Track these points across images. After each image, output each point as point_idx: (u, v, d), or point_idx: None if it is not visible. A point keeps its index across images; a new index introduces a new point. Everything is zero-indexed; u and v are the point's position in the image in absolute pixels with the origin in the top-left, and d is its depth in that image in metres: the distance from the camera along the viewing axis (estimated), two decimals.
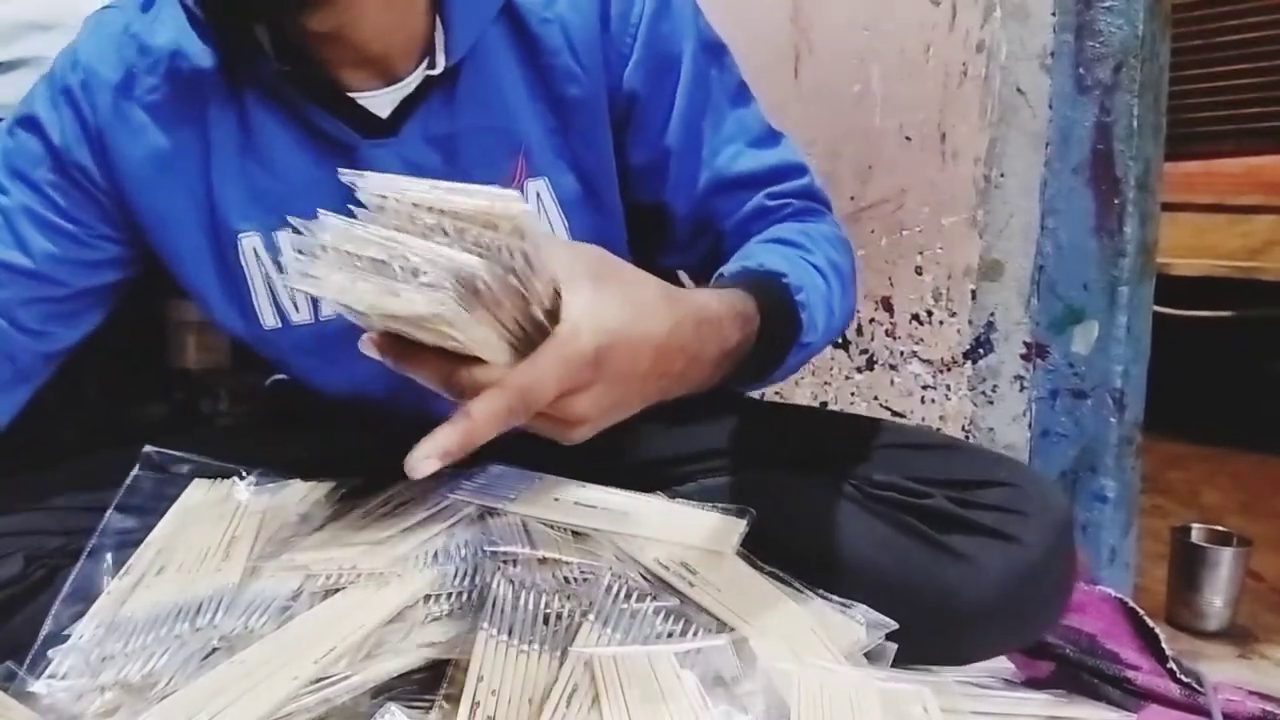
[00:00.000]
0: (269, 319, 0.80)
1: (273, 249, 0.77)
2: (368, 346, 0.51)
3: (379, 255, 0.47)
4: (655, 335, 0.54)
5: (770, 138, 0.85)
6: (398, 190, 0.48)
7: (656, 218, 0.84)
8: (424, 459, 0.50)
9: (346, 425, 0.86)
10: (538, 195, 0.78)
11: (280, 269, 0.78)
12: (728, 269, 0.73)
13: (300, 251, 0.49)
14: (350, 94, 0.75)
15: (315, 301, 0.79)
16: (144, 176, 0.76)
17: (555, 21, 0.76)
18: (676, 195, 0.82)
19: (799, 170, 0.85)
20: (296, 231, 0.50)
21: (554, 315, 0.51)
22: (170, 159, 0.76)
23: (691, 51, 0.80)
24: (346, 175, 0.50)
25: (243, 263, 0.78)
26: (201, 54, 0.74)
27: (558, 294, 0.51)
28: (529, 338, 0.51)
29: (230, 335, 0.84)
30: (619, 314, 0.52)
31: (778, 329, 0.68)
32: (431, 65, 0.74)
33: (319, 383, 0.84)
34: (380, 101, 0.75)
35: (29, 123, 0.77)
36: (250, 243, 0.78)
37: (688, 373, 0.58)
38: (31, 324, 0.77)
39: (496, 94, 0.76)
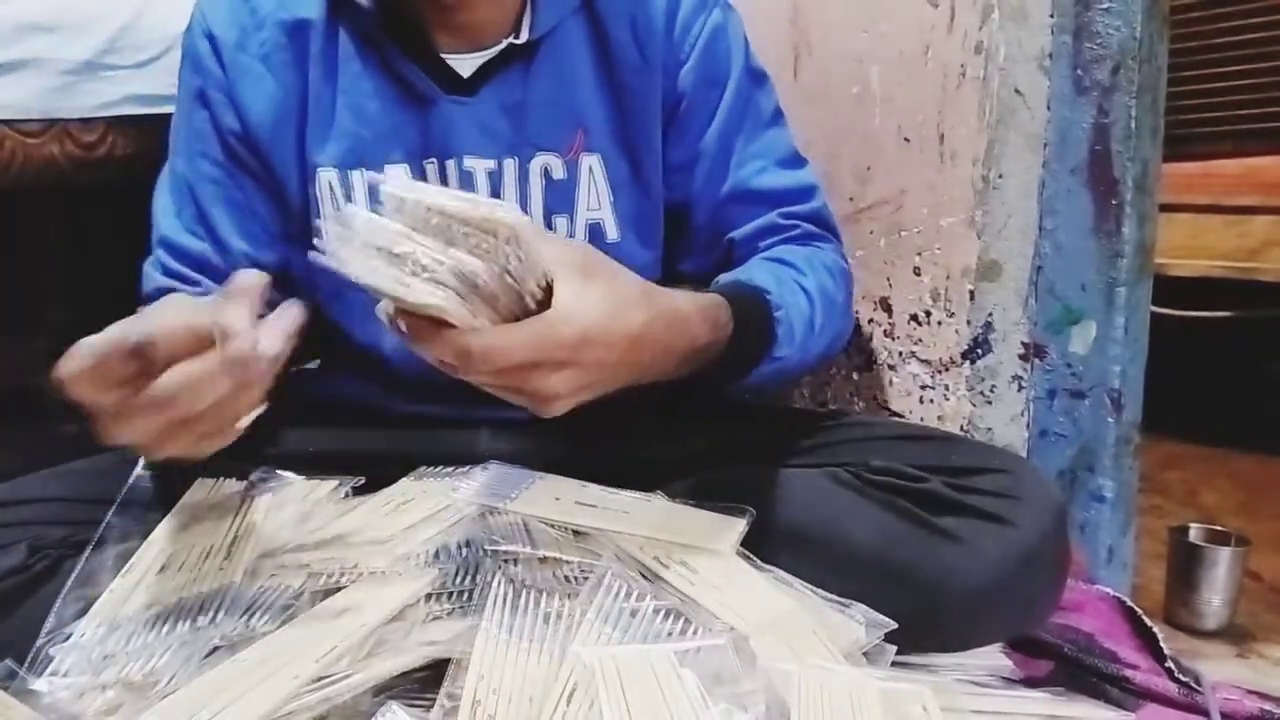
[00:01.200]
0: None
1: (346, 185, 0.84)
2: (382, 315, 0.57)
3: (396, 249, 0.54)
4: (631, 328, 0.61)
5: (795, 161, 0.93)
6: (416, 193, 0.55)
7: (679, 221, 0.91)
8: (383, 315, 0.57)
9: (350, 424, 0.86)
10: (590, 169, 0.86)
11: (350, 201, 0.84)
12: (723, 278, 0.81)
13: (337, 231, 0.55)
14: (440, 54, 0.83)
15: None
16: (265, 123, 0.84)
17: (626, 18, 0.85)
18: (700, 197, 0.90)
19: (813, 193, 0.93)
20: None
21: (545, 305, 0.58)
22: (280, 102, 0.84)
23: (738, 73, 0.89)
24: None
25: (317, 195, 0.84)
26: (306, 4, 0.83)
27: (549, 286, 0.59)
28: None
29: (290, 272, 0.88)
30: (600, 306, 0.59)
31: (750, 337, 0.75)
32: (516, 36, 0.82)
33: (357, 326, 0.87)
34: (465, 64, 0.83)
35: (196, 97, 0.85)
36: (327, 177, 0.84)
37: (656, 363, 0.65)
38: None
39: (567, 73, 0.84)
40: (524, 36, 0.82)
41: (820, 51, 1.19)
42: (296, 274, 0.87)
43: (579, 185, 0.85)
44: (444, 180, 0.84)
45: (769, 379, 0.81)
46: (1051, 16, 0.99)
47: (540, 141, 0.84)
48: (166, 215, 0.87)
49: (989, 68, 1.04)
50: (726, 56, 0.89)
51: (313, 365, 0.98)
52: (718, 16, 0.88)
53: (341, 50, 0.83)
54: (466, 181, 0.84)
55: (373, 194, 0.82)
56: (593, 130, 0.85)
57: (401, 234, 0.54)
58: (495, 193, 0.84)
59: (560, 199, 0.85)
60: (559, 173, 0.85)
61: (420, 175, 0.84)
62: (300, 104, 0.83)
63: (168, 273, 0.86)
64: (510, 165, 0.84)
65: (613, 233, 0.87)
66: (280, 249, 0.88)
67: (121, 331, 0.54)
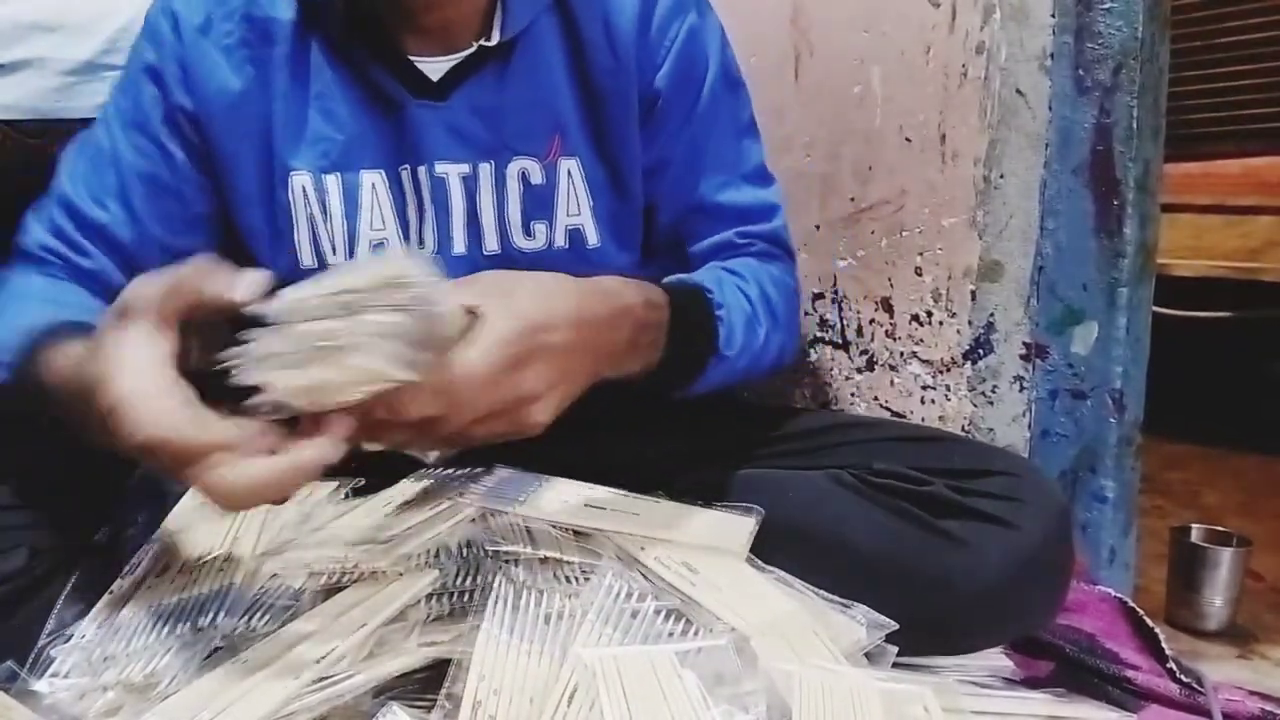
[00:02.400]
0: (307, 258, 0.83)
1: (320, 190, 0.83)
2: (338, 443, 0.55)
3: (319, 342, 0.52)
4: (569, 307, 0.62)
5: (761, 177, 0.92)
6: (308, 294, 0.53)
7: (645, 222, 0.89)
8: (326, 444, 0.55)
9: None
10: (568, 173, 0.84)
11: (324, 212, 0.83)
12: (666, 280, 0.80)
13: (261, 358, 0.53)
14: (410, 57, 0.81)
15: (351, 246, 0.83)
16: (214, 113, 0.81)
17: (599, 20, 0.83)
18: (665, 201, 0.88)
19: (773, 213, 0.92)
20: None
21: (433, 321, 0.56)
22: (239, 99, 0.81)
23: (713, 78, 0.87)
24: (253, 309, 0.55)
25: (290, 200, 0.83)
26: (278, 3, 0.81)
27: (472, 315, 0.58)
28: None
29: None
30: (529, 300, 0.60)
31: (693, 331, 0.76)
32: (487, 38, 0.81)
33: None
34: (435, 68, 0.82)
35: (146, 71, 0.82)
36: (300, 181, 0.82)
37: (611, 347, 0.66)
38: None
39: (542, 75, 0.83)
40: (495, 38, 0.80)
41: (821, 51, 1.19)
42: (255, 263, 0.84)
43: (558, 190, 0.84)
44: (417, 186, 0.83)
45: (717, 382, 0.81)
46: (1053, 16, 0.99)
47: (517, 145, 0.83)
48: (74, 179, 0.82)
49: (990, 68, 1.04)
50: (703, 61, 0.87)
51: None
52: (694, 19, 0.86)
53: (313, 54, 0.82)
54: (439, 188, 0.83)
55: (349, 198, 0.82)
56: (569, 133, 0.84)
57: (314, 330, 0.52)
58: (471, 198, 0.83)
59: (539, 204, 0.84)
60: (537, 177, 0.84)
61: (395, 182, 0.83)
62: (264, 106, 0.81)
63: (57, 233, 0.81)
64: (486, 170, 0.83)
65: (593, 238, 0.86)
66: (201, 234, 0.84)
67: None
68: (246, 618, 0.65)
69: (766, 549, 0.75)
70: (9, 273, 0.81)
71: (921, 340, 1.14)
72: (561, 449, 0.85)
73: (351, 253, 0.83)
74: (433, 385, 0.56)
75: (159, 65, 0.82)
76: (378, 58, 0.81)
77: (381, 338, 0.53)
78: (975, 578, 0.73)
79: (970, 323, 1.09)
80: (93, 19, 1.08)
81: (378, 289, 0.53)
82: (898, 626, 0.69)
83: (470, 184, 0.83)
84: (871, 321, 1.19)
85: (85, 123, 1.07)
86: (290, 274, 0.81)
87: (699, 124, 0.87)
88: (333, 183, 0.82)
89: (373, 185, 0.83)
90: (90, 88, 1.08)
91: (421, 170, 0.82)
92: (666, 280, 0.79)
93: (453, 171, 0.83)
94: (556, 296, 0.62)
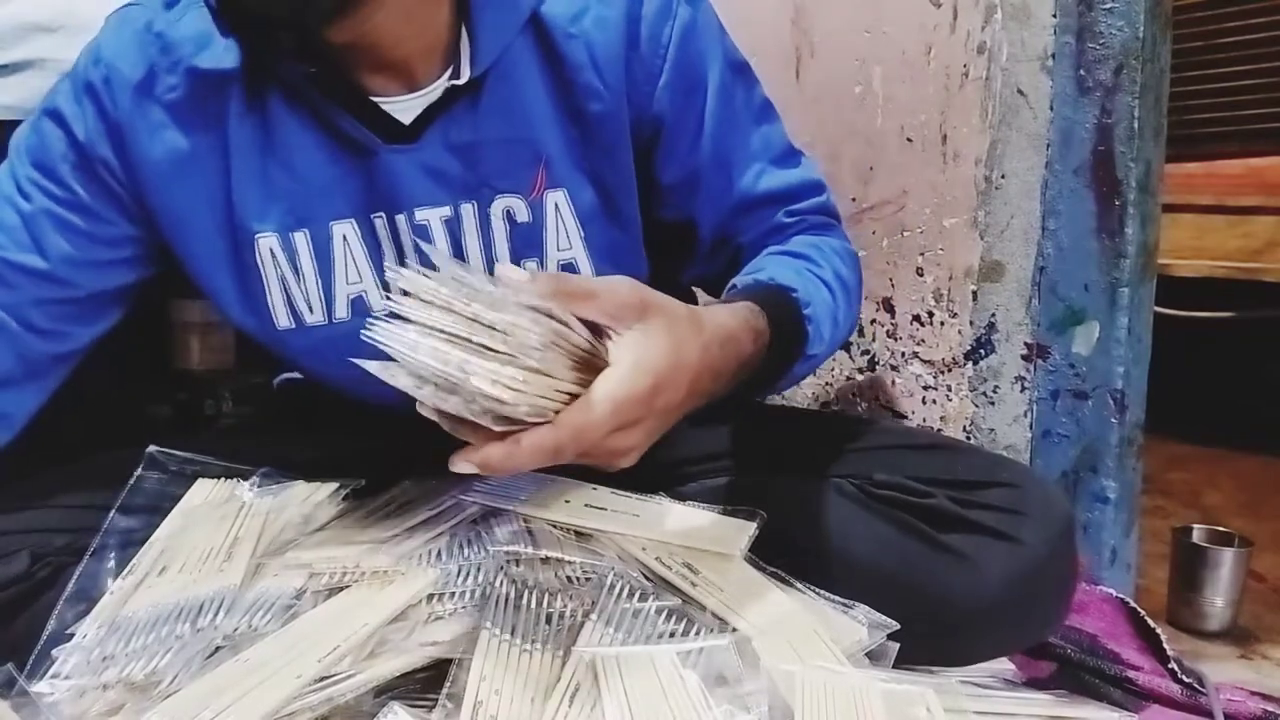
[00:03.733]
0: (283, 320, 0.80)
1: (289, 250, 0.78)
2: (426, 410, 0.53)
3: (454, 329, 0.51)
4: (692, 365, 0.58)
5: (791, 155, 0.88)
6: (447, 274, 0.53)
7: (681, 234, 0.86)
8: (464, 462, 0.54)
9: (351, 426, 0.86)
10: (556, 206, 0.79)
11: (295, 271, 0.78)
12: (740, 280, 0.76)
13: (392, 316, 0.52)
14: (374, 98, 0.75)
15: (329, 303, 0.79)
16: (161, 175, 0.76)
17: (580, 38, 0.77)
18: (704, 212, 0.84)
19: (817, 188, 0.87)
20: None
21: (592, 358, 0.56)
22: (188, 159, 0.76)
23: (718, 71, 0.81)
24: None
25: (259, 263, 0.78)
26: (224, 55, 0.75)
27: (597, 332, 0.56)
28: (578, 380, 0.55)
29: (241, 334, 0.84)
30: (662, 351, 0.57)
31: (786, 341, 0.71)
32: (456, 75, 0.75)
33: (332, 381, 0.84)
34: (403, 108, 0.76)
35: (54, 116, 0.77)
36: (267, 243, 0.78)
37: (711, 387, 0.62)
38: (44, 324, 0.77)
39: (520, 105, 0.77)
40: (465, 73, 0.74)
41: (822, 52, 1.19)
42: (257, 343, 0.83)
43: (545, 226, 0.79)
44: (395, 236, 0.78)
45: (798, 379, 0.79)
46: (1054, 17, 0.99)
47: (499, 183, 0.77)
48: None
49: (991, 68, 1.04)
50: (703, 57, 0.81)
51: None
52: (685, 14, 0.79)
53: (270, 104, 0.76)
54: (421, 234, 0.77)
55: (320, 255, 0.78)
56: (554, 164, 0.78)
57: (463, 308, 0.51)
58: (455, 241, 0.78)
59: (527, 242, 0.79)
60: (523, 215, 0.78)
61: (369, 232, 0.78)
62: (221, 164, 0.76)
63: None
64: (468, 210, 0.78)
65: (586, 269, 0.80)
66: (121, 275, 0.80)
67: None
68: (248, 617, 0.65)
69: (767, 558, 0.74)
70: None
71: (923, 340, 1.14)
72: None
73: (329, 309, 0.79)
74: (550, 440, 0.53)
75: (76, 117, 0.76)
76: (340, 102, 0.75)
77: (508, 348, 0.52)
78: (977, 593, 0.72)
79: (971, 323, 1.09)
80: (94, 20, 1.06)
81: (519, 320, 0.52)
82: (898, 626, 0.69)
83: (453, 226, 0.78)
84: (873, 322, 1.19)
85: None
86: (263, 334, 0.81)
87: (717, 125, 0.82)
88: (301, 240, 0.78)
89: (344, 237, 0.78)
90: None
91: (400, 219, 0.78)
92: (754, 287, 0.74)
93: (434, 216, 0.77)
94: (685, 346, 0.58)
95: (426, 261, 0.75)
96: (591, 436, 0.54)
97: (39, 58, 1.04)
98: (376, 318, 0.52)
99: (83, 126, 0.76)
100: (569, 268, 0.81)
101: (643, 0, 0.78)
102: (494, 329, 0.52)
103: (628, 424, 0.56)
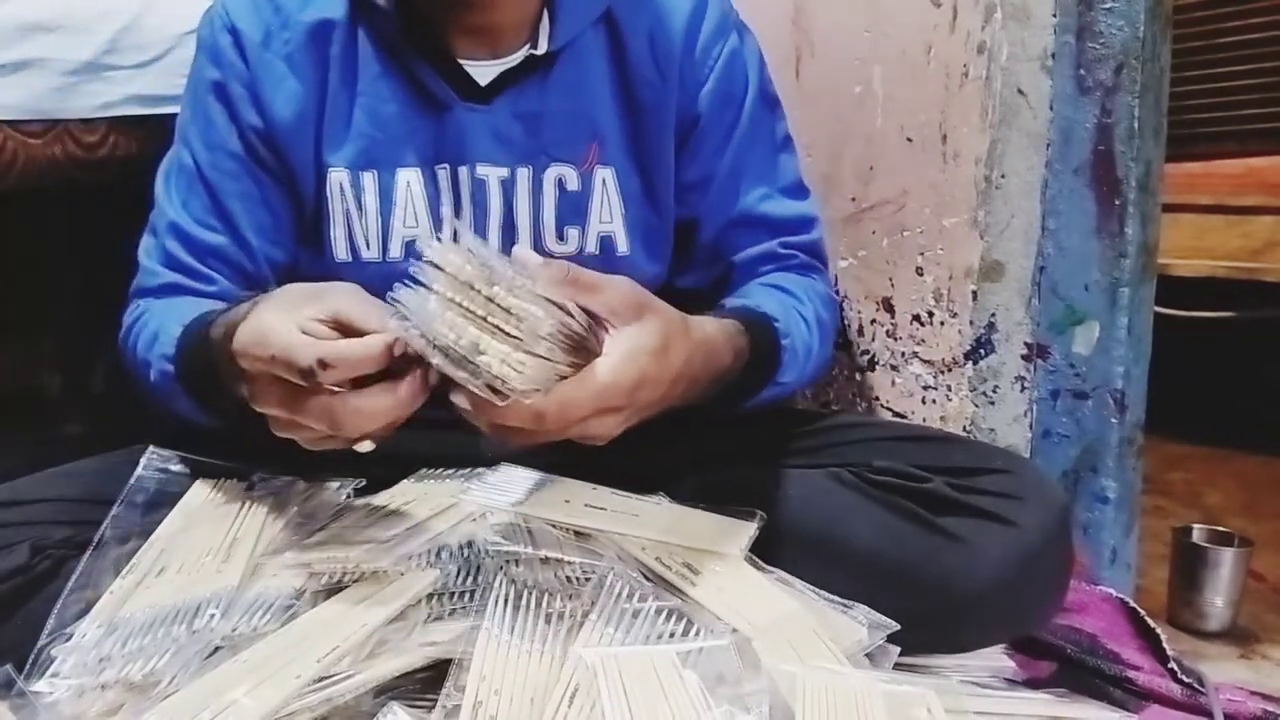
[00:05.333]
0: (341, 252, 0.85)
1: (357, 187, 0.84)
2: (460, 398, 0.59)
3: (471, 304, 0.57)
4: (676, 367, 0.64)
5: (799, 190, 0.95)
6: (468, 251, 0.57)
7: (684, 237, 0.92)
8: (462, 400, 0.59)
9: None
10: (603, 182, 0.86)
11: (360, 207, 0.84)
12: (729, 302, 0.83)
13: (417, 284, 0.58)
14: (459, 60, 0.83)
15: (385, 242, 0.85)
16: (287, 122, 0.83)
17: (645, 34, 0.86)
18: (708, 216, 0.91)
19: (813, 225, 0.94)
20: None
21: (587, 345, 0.61)
22: (302, 100, 0.83)
23: (753, 96, 0.90)
24: (425, 244, 0.63)
25: (328, 195, 0.84)
26: (327, 6, 0.83)
27: (596, 322, 0.61)
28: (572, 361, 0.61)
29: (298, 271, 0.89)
30: (653, 349, 0.62)
31: (762, 365, 0.78)
32: (535, 46, 0.82)
33: None
34: (483, 71, 0.83)
35: (213, 90, 0.84)
36: (338, 177, 0.84)
37: (687, 392, 0.69)
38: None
39: (584, 85, 0.85)
40: (543, 47, 0.82)
41: (822, 51, 1.18)
42: (306, 275, 0.86)
43: (592, 197, 0.86)
44: (455, 186, 0.84)
45: (765, 402, 0.83)
46: (1054, 16, 0.99)
47: (555, 152, 0.85)
48: (174, 205, 0.85)
49: (991, 68, 1.04)
50: (744, 80, 0.90)
51: None
52: (735, 41, 0.89)
53: (361, 52, 0.83)
54: (479, 189, 0.84)
55: (384, 196, 0.84)
56: (608, 143, 0.86)
57: (482, 281, 0.56)
58: (508, 201, 0.85)
59: (573, 210, 0.86)
60: (573, 184, 0.85)
61: (432, 181, 0.84)
62: (319, 104, 0.84)
63: (174, 265, 0.85)
64: (524, 174, 0.84)
65: (623, 246, 0.87)
66: (292, 247, 0.88)
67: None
68: (247, 617, 0.65)
69: (766, 547, 0.75)
70: (137, 310, 0.84)
71: (923, 340, 1.14)
72: (563, 449, 0.85)
73: (385, 248, 0.84)
74: (537, 406, 0.58)
75: (226, 84, 0.84)
76: (427, 59, 0.82)
77: (520, 331, 0.57)
78: (975, 575, 0.73)
79: (971, 323, 1.09)
80: (94, 19, 1.07)
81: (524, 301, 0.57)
82: (899, 627, 0.69)
83: (508, 187, 0.84)
84: (873, 321, 1.19)
85: (87, 123, 1.08)
86: (320, 266, 0.86)
87: (740, 141, 0.89)
88: (369, 180, 0.84)
89: (408, 183, 0.84)
90: (91, 88, 1.07)
91: (462, 170, 0.84)
92: (740, 310, 0.80)
93: (492, 174, 0.84)
94: (673, 348, 0.64)
95: (479, 215, 0.85)
96: (574, 414, 0.60)
97: (38, 58, 1.03)
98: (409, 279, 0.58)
99: (232, 94, 0.84)
100: (608, 240, 0.87)
101: (704, 18, 0.88)
102: (509, 313, 0.57)
103: (609, 409, 0.61)
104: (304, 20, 0.83)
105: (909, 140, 1.12)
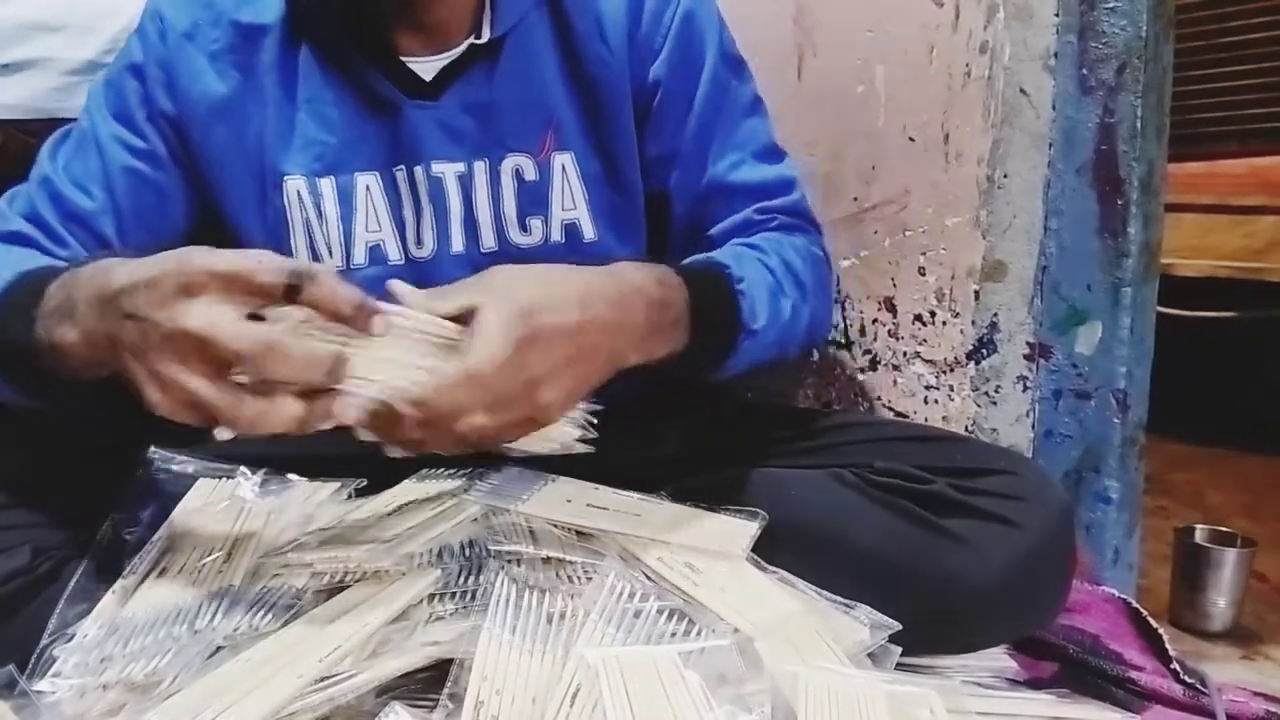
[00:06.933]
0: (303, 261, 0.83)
1: (315, 194, 0.83)
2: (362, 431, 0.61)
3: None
4: (568, 289, 0.63)
5: (773, 153, 0.91)
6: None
7: (659, 215, 0.89)
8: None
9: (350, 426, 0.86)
10: (563, 168, 0.84)
11: (319, 215, 0.83)
12: (684, 261, 0.80)
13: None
14: (401, 57, 0.81)
15: (348, 249, 0.84)
16: (198, 116, 0.82)
17: (590, 11, 0.84)
18: (679, 189, 0.88)
19: (791, 186, 0.90)
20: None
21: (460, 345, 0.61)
22: (224, 104, 0.82)
23: (713, 60, 0.87)
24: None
25: (285, 204, 0.83)
26: (263, 9, 0.82)
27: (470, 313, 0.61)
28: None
29: None
30: (526, 288, 0.62)
31: (714, 304, 0.75)
32: (478, 36, 0.81)
33: None
34: (427, 67, 0.82)
35: (130, 68, 0.83)
36: (295, 185, 0.83)
37: (625, 327, 0.66)
38: None
39: (533, 71, 0.83)
40: (485, 35, 0.81)
41: (824, 51, 1.18)
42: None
43: (552, 185, 0.84)
44: (413, 187, 0.83)
45: (749, 360, 0.80)
46: (1057, 16, 0.99)
47: (510, 142, 0.83)
48: (54, 165, 0.83)
49: (994, 67, 1.04)
50: (700, 44, 0.86)
51: None
52: (688, 3, 0.86)
53: (302, 58, 0.82)
54: (437, 187, 0.83)
55: (343, 201, 0.83)
56: (563, 127, 0.84)
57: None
58: (467, 197, 0.83)
59: (534, 200, 0.84)
60: (531, 174, 0.84)
61: (390, 184, 0.83)
62: (254, 111, 0.82)
63: (32, 218, 0.81)
64: (480, 168, 0.83)
65: (589, 231, 0.85)
66: (167, 240, 0.82)
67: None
68: (248, 617, 0.65)
69: (768, 547, 0.74)
70: None
71: (925, 340, 1.14)
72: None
73: (348, 255, 0.84)
74: (439, 384, 0.58)
75: (144, 65, 0.82)
76: (369, 59, 0.81)
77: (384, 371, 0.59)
78: (977, 576, 0.73)
79: (974, 323, 1.09)
80: (95, 19, 1.08)
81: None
82: (901, 627, 0.69)
83: (466, 182, 0.83)
84: (875, 321, 1.19)
85: None
86: None
87: (704, 108, 0.86)
88: (327, 186, 0.83)
89: (367, 187, 0.83)
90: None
91: (418, 170, 0.83)
92: (684, 261, 0.78)
93: (448, 171, 0.83)
94: (556, 282, 0.64)
95: (439, 215, 0.83)
96: (473, 375, 0.58)
97: (39, 57, 1.04)
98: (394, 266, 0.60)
99: (148, 75, 0.82)
100: (573, 227, 0.85)
101: None
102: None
103: (516, 349, 0.59)
104: (236, 20, 0.82)
105: (911, 140, 1.11)
